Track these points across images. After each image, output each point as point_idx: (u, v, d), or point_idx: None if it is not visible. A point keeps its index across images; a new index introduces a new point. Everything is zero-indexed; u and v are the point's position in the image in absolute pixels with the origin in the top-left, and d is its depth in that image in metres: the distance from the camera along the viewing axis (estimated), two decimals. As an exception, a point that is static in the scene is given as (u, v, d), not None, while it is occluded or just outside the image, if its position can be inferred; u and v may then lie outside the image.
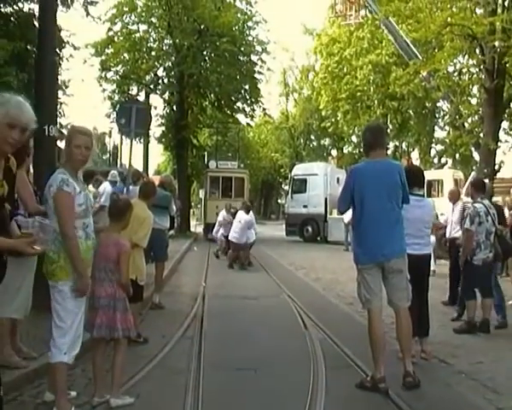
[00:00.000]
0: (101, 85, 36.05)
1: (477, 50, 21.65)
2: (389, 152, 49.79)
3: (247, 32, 36.91)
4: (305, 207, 32.60)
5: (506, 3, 20.04)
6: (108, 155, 68.76)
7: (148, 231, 8.06)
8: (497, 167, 23.87)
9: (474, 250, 8.97)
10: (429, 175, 27.88)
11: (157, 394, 5.93)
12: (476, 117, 27.32)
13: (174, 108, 37.47)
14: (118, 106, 23.09)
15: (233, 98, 38.08)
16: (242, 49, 35.84)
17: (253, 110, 39.79)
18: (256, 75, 37.58)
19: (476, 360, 7.53)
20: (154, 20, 35.42)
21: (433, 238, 11.97)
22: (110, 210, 5.99)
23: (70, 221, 4.97)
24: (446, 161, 43.42)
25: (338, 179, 34.95)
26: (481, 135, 23.56)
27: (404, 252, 6.46)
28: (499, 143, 22.91)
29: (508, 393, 6.21)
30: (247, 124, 42.63)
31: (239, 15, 36.05)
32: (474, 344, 8.42)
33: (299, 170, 35.45)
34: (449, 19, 19.61)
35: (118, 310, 5.46)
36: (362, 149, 43.77)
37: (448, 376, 6.82)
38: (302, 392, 5.92)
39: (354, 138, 52.54)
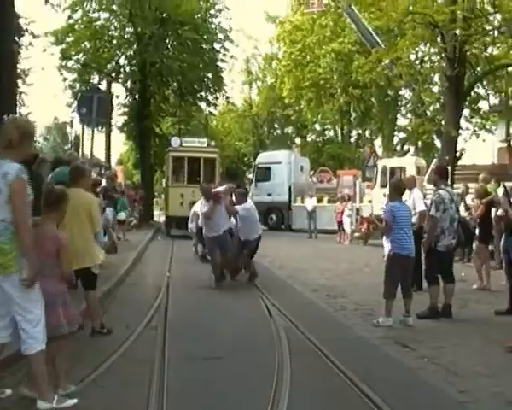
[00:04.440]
0: (61, 74, 35.70)
1: (438, 39, 21.84)
2: (352, 140, 50.16)
3: (210, 20, 36.86)
4: (269, 195, 32.65)
5: (466, -8, 20.24)
6: (70, 145, 67.92)
7: (99, 213, 8.09)
8: (458, 155, 24.14)
9: (439, 237, 9.06)
10: (392, 163, 28.19)
11: (121, 385, 5.87)
12: (438, 105, 27.63)
13: (136, 96, 37.21)
14: (79, 95, 22.69)
15: (196, 87, 37.96)
16: (205, 37, 35.87)
17: (216, 98, 39.81)
18: (219, 63, 37.56)
19: (438, 344, 7.63)
20: (115, 7, 35.12)
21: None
22: (44, 200, 5.68)
23: (26, 210, 4.91)
24: (409, 149, 43.88)
25: (302, 167, 35.16)
26: (443, 122, 23.82)
27: None
28: (460, 131, 23.20)
29: (468, 376, 6.31)
30: (210, 113, 42.52)
31: (201, 3, 35.97)
32: (436, 329, 8.54)
33: (262, 158, 35.53)
34: (411, 7, 19.75)
35: (59, 305, 5.32)
36: (325, 138, 43.78)
37: (411, 361, 6.90)
38: (267, 381, 5.91)
39: (317, 126, 52.74)
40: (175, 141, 28.27)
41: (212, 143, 29.67)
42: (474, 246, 12.86)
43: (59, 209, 5.66)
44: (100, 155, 38.99)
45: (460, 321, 9.06)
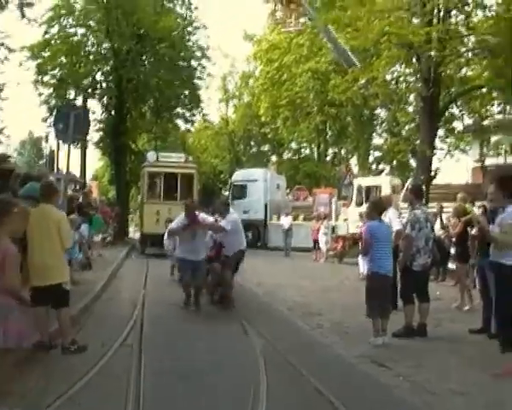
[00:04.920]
0: (37, 89, 35.46)
1: (414, 59, 22.09)
2: (328, 158, 50.40)
3: (187, 37, 37.00)
4: (245, 213, 32.44)
5: (441, 14, 20.50)
6: (44, 160, 67.43)
7: (69, 229, 8.03)
8: (432, 174, 24.36)
9: (414, 256, 9.14)
10: (367, 181, 28.43)
11: (97, 403, 5.82)
12: (413, 124, 27.91)
13: (112, 112, 37.08)
14: (56, 111, 22.44)
15: (172, 103, 37.98)
16: (182, 54, 35.91)
17: (193, 115, 39.84)
18: (196, 81, 37.64)
19: (414, 363, 7.67)
20: (92, 23, 35.07)
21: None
22: None
23: None
24: (384, 168, 44.17)
25: (278, 185, 35.19)
26: (418, 142, 24.05)
27: None
28: (435, 151, 23.43)
29: (444, 394, 6.37)
30: (187, 130, 42.54)
31: (179, 21, 36.06)
32: (411, 348, 8.58)
33: (239, 176, 35.48)
34: (387, 28, 19.95)
35: (8, 319, 5.26)
36: (301, 156, 43.54)
37: (387, 379, 6.93)
38: (244, 399, 5.90)
39: (294, 145, 52.90)
40: (151, 156, 27.05)
41: (190, 158, 28.82)
42: (449, 265, 12.95)
43: (7, 219, 5.54)
44: (74, 170, 38.80)
45: (435, 340, 9.11)
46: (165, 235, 13.98)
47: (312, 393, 6.31)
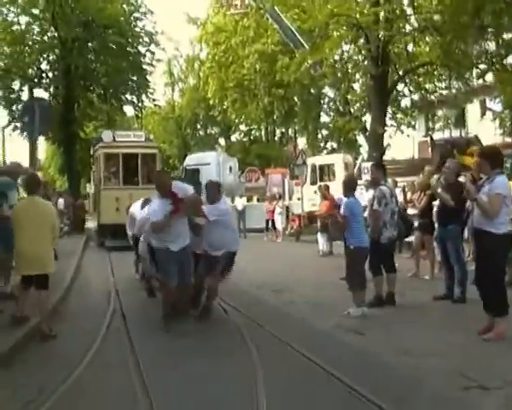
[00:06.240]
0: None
1: (362, 40, 22.48)
2: (276, 138, 50.78)
3: (134, 23, 36.78)
4: (199, 196, 32.49)
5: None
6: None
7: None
8: (383, 150, 24.92)
9: (381, 229, 9.64)
10: (320, 160, 28.97)
11: (103, 390, 6.03)
12: (362, 102, 28.48)
13: (60, 102, 36.66)
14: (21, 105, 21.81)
15: (121, 90, 37.80)
16: (130, 40, 35.66)
17: (142, 102, 39.69)
18: (144, 66, 37.51)
19: (387, 329, 8.22)
20: (36, 11, 34.46)
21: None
22: None
23: None
24: (332, 146, 44.76)
25: (230, 168, 35.34)
26: (365, 119, 24.67)
27: None
28: (386, 128, 23.94)
29: (420, 355, 6.83)
30: (137, 115, 42.33)
31: (125, 6, 35.79)
32: (383, 316, 9.12)
33: (191, 160, 35.41)
34: (335, 9, 20.28)
35: None
36: (251, 137, 43.39)
37: (364, 344, 7.43)
38: (244, 374, 6.23)
39: (243, 127, 53.08)
40: (107, 135, 23.97)
41: (151, 136, 27.07)
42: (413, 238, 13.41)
43: None
44: (24, 161, 38.14)
45: (403, 307, 9.68)
46: (144, 233, 9.99)
47: (300, 360, 6.76)
